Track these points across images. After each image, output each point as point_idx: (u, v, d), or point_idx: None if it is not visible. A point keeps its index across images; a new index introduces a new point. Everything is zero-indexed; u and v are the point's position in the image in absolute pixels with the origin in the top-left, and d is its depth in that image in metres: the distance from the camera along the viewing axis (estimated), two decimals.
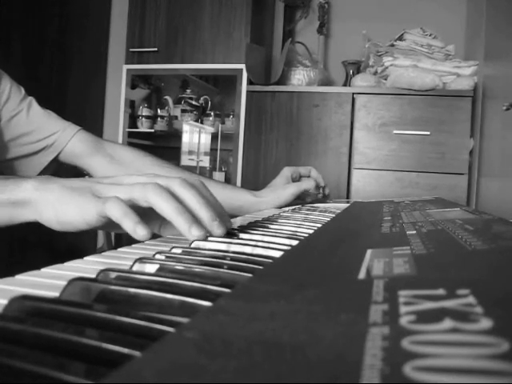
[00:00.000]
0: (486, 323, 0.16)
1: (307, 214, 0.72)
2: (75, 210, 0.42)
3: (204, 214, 0.43)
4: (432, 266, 0.27)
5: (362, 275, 0.25)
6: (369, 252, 0.32)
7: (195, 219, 0.42)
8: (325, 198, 1.03)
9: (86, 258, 0.36)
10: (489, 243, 0.33)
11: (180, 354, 0.14)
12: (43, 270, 0.31)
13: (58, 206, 0.43)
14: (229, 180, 2.45)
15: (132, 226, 0.39)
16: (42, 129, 0.86)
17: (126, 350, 0.17)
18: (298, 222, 0.59)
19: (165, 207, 0.41)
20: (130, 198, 0.42)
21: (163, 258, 0.35)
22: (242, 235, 0.46)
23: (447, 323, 0.16)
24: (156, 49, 2.48)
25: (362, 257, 0.30)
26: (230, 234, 0.46)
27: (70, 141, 0.88)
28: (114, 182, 0.46)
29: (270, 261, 0.32)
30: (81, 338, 0.18)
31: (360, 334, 0.15)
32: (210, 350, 0.14)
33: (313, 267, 0.29)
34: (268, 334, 0.16)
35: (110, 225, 0.42)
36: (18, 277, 0.29)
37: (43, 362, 0.15)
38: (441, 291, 0.20)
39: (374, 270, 0.26)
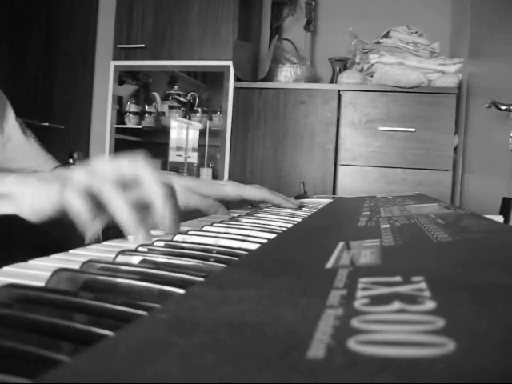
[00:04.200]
0: (429, 305, 0.18)
1: (294, 210, 0.74)
2: (44, 197, 0.44)
3: (163, 208, 0.43)
4: (396, 257, 0.29)
5: (329, 265, 0.27)
6: (340, 244, 0.33)
7: (143, 225, 0.42)
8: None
9: (71, 251, 0.37)
10: (453, 236, 0.34)
11: (152, 331, 0.16)
12: (30, 262, 0.33)
13: (32, 197, 0.45)
14: (216, 176, 2.47)
15: (84, 222, 0.40)
16: (18, 159, 0.86)
17: (107, 332, 0.19)
18: (284, 218, 0.61)
19: (119, 212, 0.41)
20: (88, 189, 0.42)
21: (146, 250, 0.36)
22: (225, 229, 0.48)
23: (396, 305, 0.18)
24: (143, 45, 2.49)
25: (333, 249, 0.32)
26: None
27: None
28: (85, 169, 0.46)
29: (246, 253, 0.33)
30: (65, 321, 0.19)
31: (315, 315, 0.17)
32: (180, 329, 0.16)
33: (286, 258, 0.31)
34: (234, 315, 0.18)
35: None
36: (6, 268, 0.30)
37: (29, 341, 0.17)
38: (397, 278, 0.22)
39: (342, 260, 0.28)
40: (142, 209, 0.44)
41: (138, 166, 0.44)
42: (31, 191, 0.45)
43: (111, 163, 0.45)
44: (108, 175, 0.43)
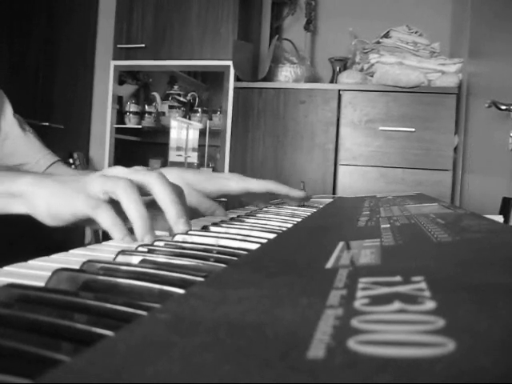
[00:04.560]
0: (429, 305, 0.18)
1: (294, 210, 0.74)
2: (65, 204, 0.44)
3: (172, 210, 0.45)
4: (396, 257, 0.29)
5: (329, 265, 0.27)
6: (340, 244, 0.33)
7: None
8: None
9: (71, 251, 0.37)
10: (453, 236, 0.34)
11: (152, 331, 0.16)
12: (30, 262, 0.33)
13: (49, 200, 0.45)
14: None
15: (120, 237, 0.42)
16: (16, 155, 0.87)
17: (107, 332, 0.19)
18: (284, 218, 0.61)
19: (133, 214, 0.43)
20: (108, 190, 0.44)
21: (146, 250, 0.36)
22: (225, 229, 0.48)
23: (396, 305, 0.18)
24: (143, 45, 2.49)
25: (333, 249, 0.32)
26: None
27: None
28: (103, 174, 0.47)
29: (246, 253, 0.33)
30: (65, 321, 0.19)
31: (315, 315, 0.17)
32: (180, 329, 0.16)
33: (286, 258, 0.31)
34: (234, 315, 0.18)
35: (93, 222, 0.44)
36: (6, 268, 0.30)
37: (30, 341, 0.17)
38: (398, 278, 0.22)
39: (342, 260, 0.28)
40: (153, 211, 0.46)
41: (149, 174, 0.45)
42: (46, 194, 0.45)
43: (125, 169, 0.47)
44: (122, 177, 0.44)
